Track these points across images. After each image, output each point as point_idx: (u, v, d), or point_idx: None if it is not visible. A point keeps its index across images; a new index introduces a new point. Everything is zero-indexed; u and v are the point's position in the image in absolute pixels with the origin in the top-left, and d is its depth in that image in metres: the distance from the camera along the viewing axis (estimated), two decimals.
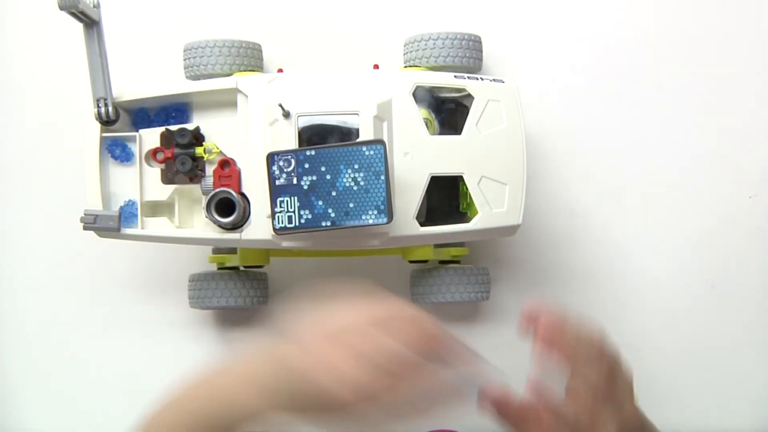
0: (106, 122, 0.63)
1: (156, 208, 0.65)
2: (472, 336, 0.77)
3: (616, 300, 0.78)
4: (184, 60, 0.71)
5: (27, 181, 0.78)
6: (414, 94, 0.63)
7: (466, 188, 0.63)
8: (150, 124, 0.66)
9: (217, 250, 0.72)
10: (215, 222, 0.61)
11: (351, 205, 0.59)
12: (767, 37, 0.79)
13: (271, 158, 0.59)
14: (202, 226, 0.64)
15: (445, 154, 0.63)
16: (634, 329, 0.77)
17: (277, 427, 0.50)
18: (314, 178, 0.59)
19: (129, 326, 0.77)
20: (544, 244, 0.78)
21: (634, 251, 0.78)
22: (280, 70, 0.69)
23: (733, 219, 0.78)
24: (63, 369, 0.78)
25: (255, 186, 0.62)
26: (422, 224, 0.62)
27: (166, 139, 0.64)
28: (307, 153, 0.59)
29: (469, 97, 0.64)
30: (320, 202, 0.59)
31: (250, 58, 0.71)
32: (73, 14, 0.56)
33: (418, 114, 0.63)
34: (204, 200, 0.62)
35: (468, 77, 0.65)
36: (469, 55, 0.70)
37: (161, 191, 0.64)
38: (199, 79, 0.69)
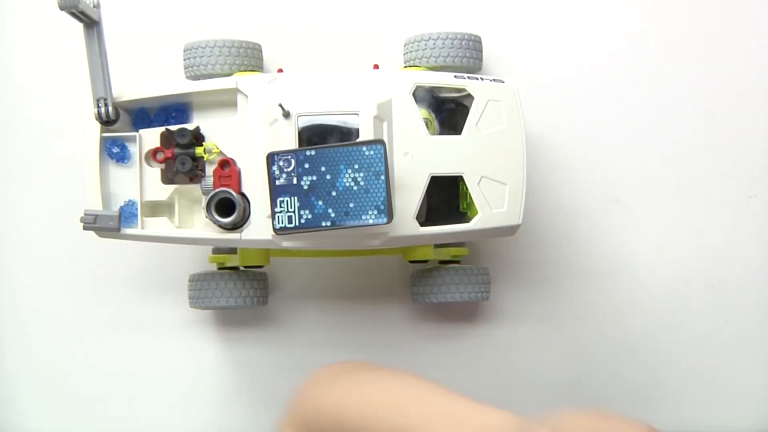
0: (106, 122, 0.63)
1: (156, 208, 0.65)
2: (472, 336, 0.78)
3: (616, 300, 0.78)
4: (184, 60, 0.71)
5: (27, 181, 0.78)
6: (414, 94, 0.63)
7: (466, 188, 0.63)
8: (150, 124, 0.66)
9: (217, 250, 0.72)
10: (215, 222, 0.61)
11: (351, 205, 0.59)
12: (767, 38, 0.79)
13: (271, 158, 0.59)
14: (202, 226, 0.64)
15: (445, 154, 0.63)
16: (634, 329, 0.78)
17: None
18: (314, 178, 0.59)
19: (129, 326, 0.77)
20: (544, 244, 0.78)
21: (634, 251, 0.78)
22: (280, 70, 0.69)
23: (733, 219, 0.78)
24: (63, 369, 0.78)
25: (255, 186, 0.62)
26: (422, 224, 0.62)
27: (166, 139, 0.64)
28: (307, 153, 0.59)
29: (469, 97, 0.64)
30: (320, 202, 0.59)
31: (250, 58, 0.71)
32: (73, 14, 0.56)
33: (418, 114, 0.63)
34: (204, 200, 0.62)
35: (468, 77, 0.65)
36: (469, 55, 0.70)
37: (161, 191, 0.64)
38: (199, 79, 0.69)
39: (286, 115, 0.61)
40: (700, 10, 0.79)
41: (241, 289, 0.70)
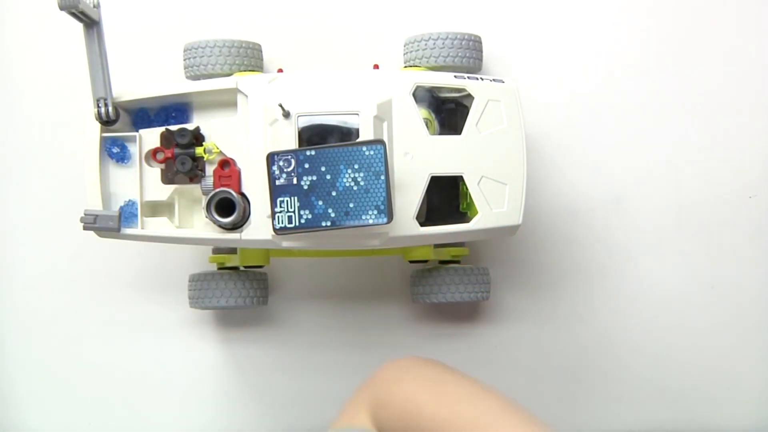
0: (106, 122, 0.63)
1: (156, 208, 0.65)
2: (472, 336, 0.78)
3: (616, 300, 0.78)
4: (184, 60, 0.71)
5: (27, 181, 0.78)
6: (414, 94, 0.63)
7: (466, 188, 0.63)
8: (150, 124, 0.66)
9: (217, 250, 0.72)
10: (215, 222, 0.61)
11: (351, 205, 0.59)
12: (767, 38, 0.79)
13: (271, 158, 0.59)
14: (202, 226, 0.64)
15: (445, 154, 0.63)
16: (634, 329, 0.78)
17: None
18: (314, 178, 0.59)
19: (129, 326, 0.77)
20: (544, 244, 0.78)
21: (634, 251, 0.78)
22: (280, 70, 0.69)
23: (733, 219, 0.78)
24: (63, 369, 0.78)
25: (255, 186, 0.62)
26: (422, 224, 0.62)
27: (166, 139, 0.64)
28: (307, 153, 0.59)
29: (469, 97, 0.64)
30: (320, 202, 0.59)
31: (250, 58, 0.71)
32: (73, 14, 0.56)
33: (418, 114, 0.63)
34: (204, 200, 0.62)
35: (468, 77, 0.65)
36: (469, 55, 0.70)
37: (161, 191, 0.64)
38: (199, 79, 0.69)
39: (286, 115, 0.61)
40: (701, 10, 0.79)
41: (241, 289, 0.70)
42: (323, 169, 0.59)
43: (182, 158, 0.63)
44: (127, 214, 0.64)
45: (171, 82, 0.72)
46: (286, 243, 0.62)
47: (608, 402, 0.77)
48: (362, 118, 0.61)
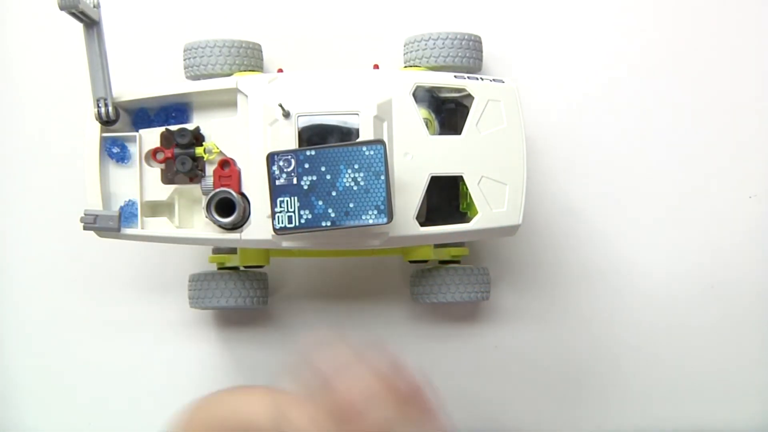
0: (106, 122, 0.63)
1: (156, 208, 0.65)
2: (472, 336, 0.78)
3: (616, 300, 0.78)
4: (184, 60, 0.71)
5: (27, 181, 0.78)
6: (414, 94, 0.63)
7: (466, 188, 0.63)
8: (150, 124, 0.66)
9: (217, 250, 0.72)
10: (215, 222, 0.61)
11: (351, 205, 0.59)
12: (767, 38, 0.79)
13: (271, 158, 0.59)
14: (202, 226, 0.64)
15: (445, 154, 0.63)
16: (634, 329, 0.78)
17: None
18: (314, 178, 0.59)
19: (129, 326, 0.77)
20: (544, 244, 0.78)
21: (634, 251, 0.78)
22: (280, 70, 0.69)
23: (733, 219, 0.78)
24: (63, 369, 0.78)
25: (255, 186, 0.62)
26: (422, 224, 0.62)
27: (166, 139, 0.64)
28: (307, 153, 0.59)
29: (469, 97, 0.64)
30: (320, 202, 0.59)
31: (250, 58, 0.71)
32: (73, 14, 0.56)
33: (418, 114, 0.63)
34: (204, 200, 0.62)
35: (468, 77, 0.65)
36: (469, 55, 0.70)
37: (161, 191, 0.64)
38: (199, 79, 0.69)
39: (286, 115, 0.61)
40: (701, 11, 0.79)
41: (241, 289, 0.70)
42: (323, 169, 0.59)
43: (182, 158, 0.63)
44: (127, 214, 0.64)
45: (171, 82, 0.73)
46: (286, 243, 0.62)
47: (608, 402, 0.77)
48: (362, 118, 0.61)
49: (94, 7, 0.58)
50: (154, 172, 0.64)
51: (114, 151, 0.64)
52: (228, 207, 0.62)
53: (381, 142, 0.59)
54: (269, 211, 0.60)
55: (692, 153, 0.78)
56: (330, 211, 0.59)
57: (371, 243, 0.62)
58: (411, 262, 0.73)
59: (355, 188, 0.59)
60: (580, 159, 0.78)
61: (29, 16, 0.79)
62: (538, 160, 0.77)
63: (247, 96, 0.63)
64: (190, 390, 0.77)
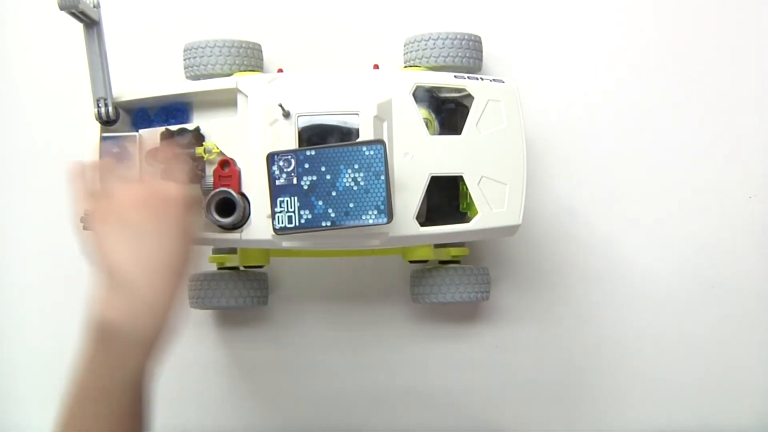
0: (106, 122, 0.63)
1: None
2: (472, 336, 0.78)
3: (616, 300, 0.77)
4: (184, 60, 0.71)
5: (27, 181, 0.78)
6: (414, 94, 0.63)
7: (466, 188, 0.63)
8: (150, 124, 0.66)
9: (217, 250, 0.72)
10: (215, 222, 0.61)
11: (351, 205, 0.59)
12: (766, 39, 0.79)
13: (271, 158, 0.59)
14: (202, 226, 0.64)
15: (445, 154, 0.63)
16: (634, 329, 0.78)
17: None
18: (314, 178, 0.59)
19: None
20: (544, 244, 0.78)
21: (634, 251, 0.78)
22: (280, 70, 0.69)
23: (733, 219, 0.78)
24: (63, 369, 0.78)
25: (255, 186, 0.62)
26: (422, 224, 0.62)
27: (166, 139, 0.64)
28: (307, 153, 0.59)
29: (469, 97, 0.64)
30: (320, 202, 0.59)
31: (250, 58, 0.71)
32: (73, 14, 0.56)
33: (418, 114, 0.63)
34: (204, 200, 0.62)
35: (468, 77, 0.65)
36: (469, 55, 0.70)
37: None
38: (199, 79, 0.69)
39: (286, 115, 0.61)
40: (701, 11, 0.79)
41: (241, 289, 0.70)
42: (323, 169, 0.59)
43: None
44: None
45: (171, 82, 0.72)
46: (286, 243, 0.62)
47: (608, 402, 0.77)
48: (362, 118, 0.61)
49: (94, 7, 0.58)
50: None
51: (114, 151, 0.64)
52: (228, 207, 0.61)
53: (381, 142, 0.59)
54: (269, 211, 0.60)
55: (692, 153, 0.78)
56: (330, 211, 0.59)
57: (371, 243, 0.62)
58: (411, 262, 0.73)
59: (355, 188, 0.59)
60: (580, 159, 0.78)
61: (29, 16, 0.79)
62: (538, 160, 0.77)
63: (247, 96, 0.63)
64: (190, 389, 0.78)
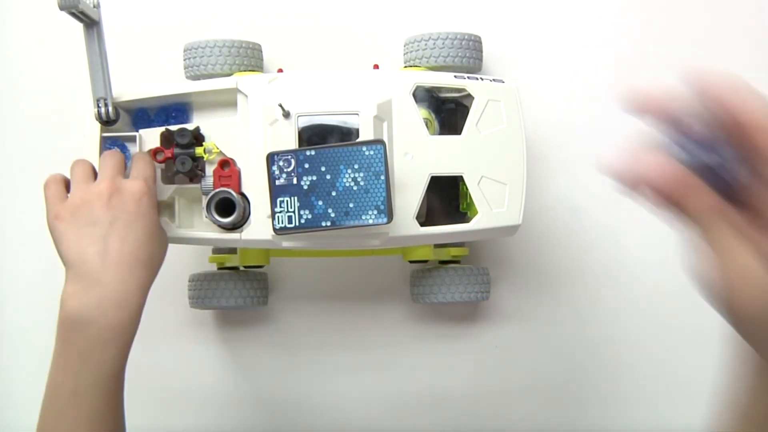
0: (106, 122, 0.63)
1: None
2: (472, 336, 0.78)
3: (617, 300, 0.78)
4: (184, 60, 0.71)
5: (27, 181, 0.78)
6: (414, 94, 0.63)
7: (466, 188, 0.63)
8: (150, 124, 0.66)
9: (217, 250, 0.72)
10: (215, 222, 0.61)
11: (351, 205, 0.59)
12: (766, 39, 0.79)
13: (271, 158, 0.59)
14: (202, 226, 0.64)
15: (445, 154, 0.63)
16: (634, 329, 0.78)
17: None
18: (314, 178, 0.59)
19: None
20: (544, 244, 0.78)
21: (634, 251, 0.78)
22: (280, 70, 0.69)
23: None
24: None
25: (255, 186, 0.62)
26: (422, 224, 0.62)
27: (166, 139, 0.64)
28: (307, 153, 0.59)
29: (469, 97, 0.64)
30: (320, 202, 0.59)
31: (250, 58, 0.71)
32: (73, 14, 0.56)
33: (418, 114, 0.63)
34: (204, 200, 0.62)
35: (468, 77, 0.65)
36: (469, 55, 0.70)
37: (161, 191, 0.64)
38: (199, 79, 0.69)
39: (286, 115, 0.61)
40: (701, 11, 0.79)
41: (241, 289, 0.70)
42: (323, 169, 0.59)
43: (182, 158, 0.63)
44: None
45: (171, 82, 0.72)
46: (286, 243, 0.62)
47: (608, 402, 0.77)
48: (362, 118, 0.61)
49: (94, 7, 0.58)
50: None
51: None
52: (228, 207, 0.61)
53: (381, 142, 0.59)
54: (269, 211, 0.60)
55: None
56: (330, 211, 0.59)
57: (371, 243, 0.62)
58: (411, 262, 0.73)
59: (355, 188, 0.59)
60: (580, 159, 0.78)
61: (29, 16, 0.79)
62: (538, 160, 0.77)
63: (247, 96, 0.63)
64: (190, 389, 0.78)
